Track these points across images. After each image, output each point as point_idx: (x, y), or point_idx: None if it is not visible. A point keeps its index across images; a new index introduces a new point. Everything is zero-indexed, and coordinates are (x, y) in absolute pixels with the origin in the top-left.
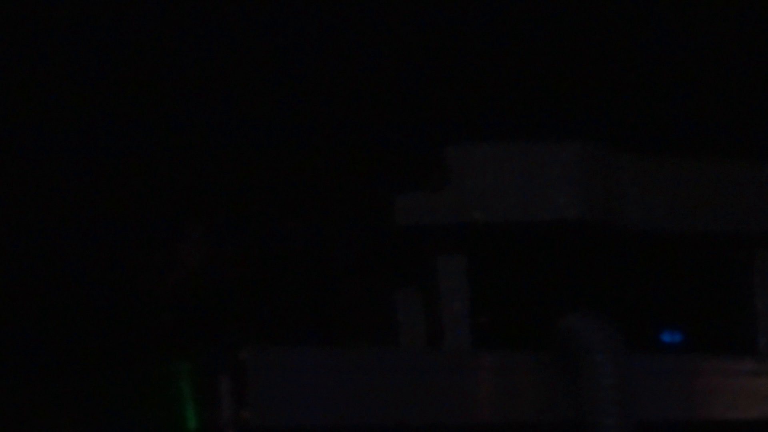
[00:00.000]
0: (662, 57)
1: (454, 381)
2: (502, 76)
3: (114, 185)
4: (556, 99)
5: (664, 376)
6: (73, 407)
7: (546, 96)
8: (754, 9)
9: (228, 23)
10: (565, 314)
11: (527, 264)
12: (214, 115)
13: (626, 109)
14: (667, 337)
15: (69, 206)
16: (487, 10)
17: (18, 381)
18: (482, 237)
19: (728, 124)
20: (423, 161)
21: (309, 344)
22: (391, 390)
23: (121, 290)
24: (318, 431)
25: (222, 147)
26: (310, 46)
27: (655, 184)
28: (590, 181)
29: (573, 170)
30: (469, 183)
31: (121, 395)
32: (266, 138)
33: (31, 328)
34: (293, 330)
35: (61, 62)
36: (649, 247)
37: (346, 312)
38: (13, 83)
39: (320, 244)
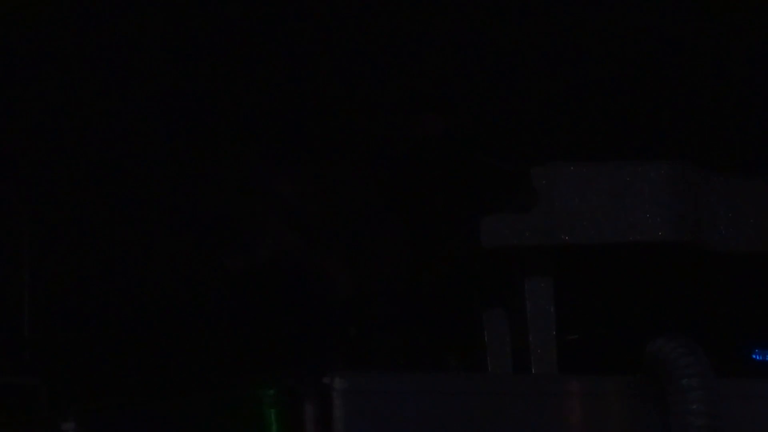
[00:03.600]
0: (754, 77)
1: (542, 406)
2: (588, 95)
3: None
4: (645, 118)
5: (755, 401)
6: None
7: (634, 115)
8: None
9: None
10: (653, 337)
11: (615, 286)
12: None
13: (716, 129)
14: (758, 356)
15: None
16: (577, 31)
17: (110, 405)
18: (570, 259)
19: None
20: (510, 182)
21: (395, 369)
22: (479, 415)
23: (212, 318)
24: None
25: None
26: (410, 66)
27: (745, 205)
28: (680, 201)
29: (662, 190)
30: (557, 204)
31: (208, 421)
32: (355, 164)
33: (120, 356)
34: (380, 355)
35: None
36: (738, 267)
37: (433, 335)
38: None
39: (406, 267)
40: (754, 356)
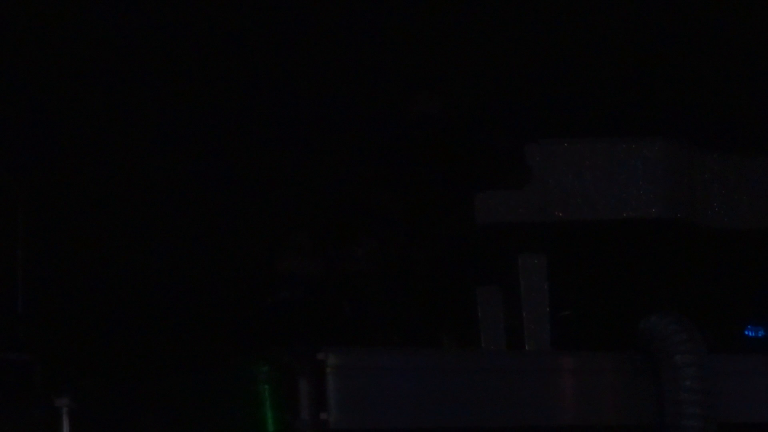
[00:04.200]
0: (749, 54)
1: (535, 383)
2: (582, 73)
3: (219, 194)
4: (639, 95)
5: (748, 377)
6: (156, 409)
7: (628, 92)
8: None
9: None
10: (647, 314)
11: (609, 263)
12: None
13: (710, 107)
14: (750, 332)
15: (170, 211)
16: (571, 9)
17: (104, 382)
18: (563, 235)
19: None
20: (504, 159)
21: (389, 345)
22: (473, 392)
23: (206, 296)
24: None
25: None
26: (396, 51)
27: (738, 182)
28: (673, 178)
29: (656, 167)
30: (551, 181)
31: (202, 397)
32: (352, 144)
33: (117, 332)
34: (374, 331)
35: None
36: (731, 244)
37: (428, 311)
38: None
39: (401, 244)
40: (746, 332)
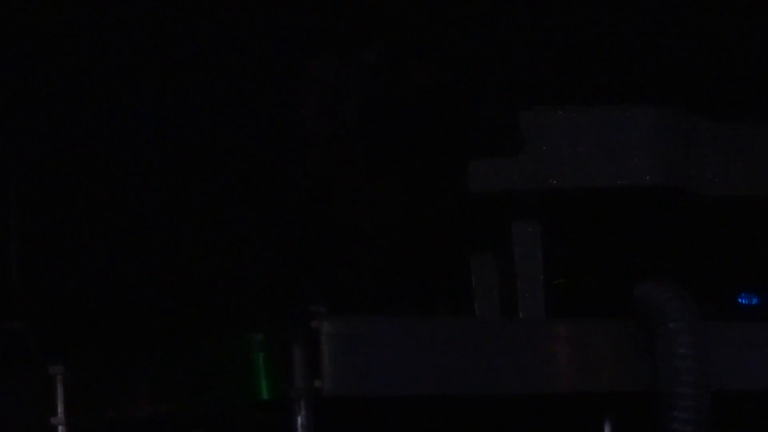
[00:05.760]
0: (743, 22)
1: (529, 350)
2: (576, 39)
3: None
4: (634, 62)
5: (742, 345)
6: (150, 377)
7: (623, 59)
8: None
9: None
10: (641, 281)
11: (603, 231)
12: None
13: (706, 74)
14: (744, 300)
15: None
16: None
17: (99, 350)
18: (558, 203)
19: None
20: (498, 127)
21: (383, 313)
22: (467, 360)
23: (197, 263)
24: (392, 401)
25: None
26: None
27: (733, 150)
28: (668, 146)
29: (651, 135)
30: (545, 149)
31: (196, 366)
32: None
33: (112, 300)
34: (368, 298)
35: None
36: (727, 212)
37: (422, 279)
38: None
39: (394, 212)
40: (740, 300)
